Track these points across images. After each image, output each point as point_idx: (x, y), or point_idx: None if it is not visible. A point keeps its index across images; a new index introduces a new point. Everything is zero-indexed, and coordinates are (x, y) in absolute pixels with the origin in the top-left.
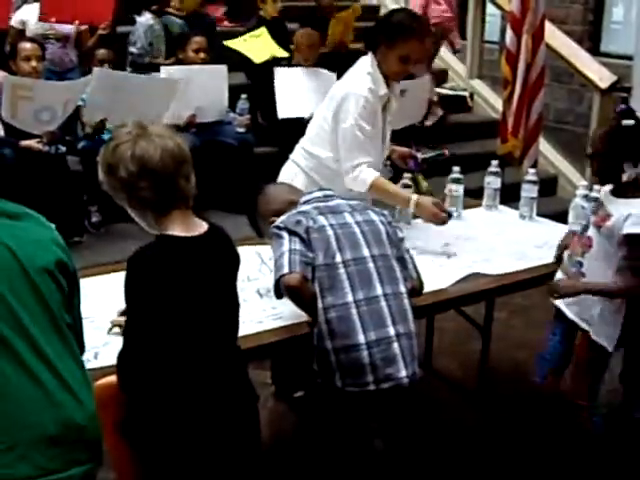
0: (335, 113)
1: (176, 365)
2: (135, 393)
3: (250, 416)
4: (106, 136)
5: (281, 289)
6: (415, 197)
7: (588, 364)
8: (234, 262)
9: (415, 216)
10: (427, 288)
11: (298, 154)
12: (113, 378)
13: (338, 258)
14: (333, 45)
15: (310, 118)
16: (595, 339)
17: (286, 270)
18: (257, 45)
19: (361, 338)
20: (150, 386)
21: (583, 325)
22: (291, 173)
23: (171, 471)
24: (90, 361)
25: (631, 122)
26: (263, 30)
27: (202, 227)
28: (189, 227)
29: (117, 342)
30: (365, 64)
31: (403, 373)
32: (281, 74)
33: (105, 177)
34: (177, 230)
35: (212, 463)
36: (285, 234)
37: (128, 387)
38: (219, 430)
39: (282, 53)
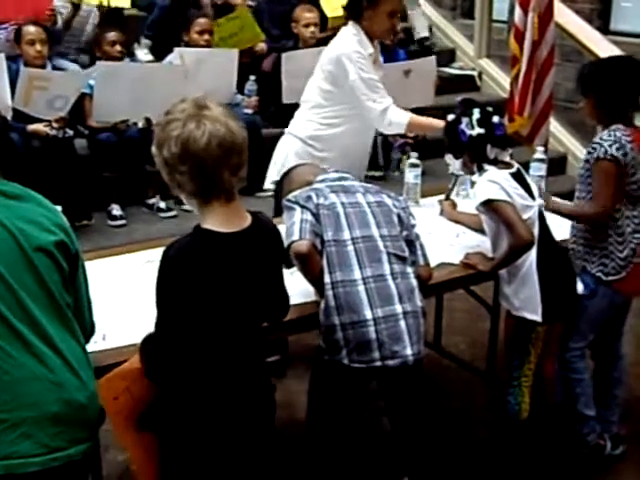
0: (334, 79)
1: (201, 358)
2: (162, 380)
3: (267, 407)
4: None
5: (290, 256)
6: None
7: (509, 340)
8: (273, 258)
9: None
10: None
11: (296, 126)
12: (123, 368)
13: (347, 235)
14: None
15: None
16: (516, 314)
17: (296, 237)
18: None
19: (368, 314)
20: (176, 375)
21: (503, 303)
22: (288, 145)
23: (190, 461)
24: (98, 342)
25: None
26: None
27: (245, 221)
28: (230, 221)
29: (125, 324)
30: (347, 30)
31: (409, 351)
32: (288, 59)
33: (155, 151)
34: (216, 224)
35: (229, 448)
36: (297, 207)
37: (155, 375)
38: (238, 418)
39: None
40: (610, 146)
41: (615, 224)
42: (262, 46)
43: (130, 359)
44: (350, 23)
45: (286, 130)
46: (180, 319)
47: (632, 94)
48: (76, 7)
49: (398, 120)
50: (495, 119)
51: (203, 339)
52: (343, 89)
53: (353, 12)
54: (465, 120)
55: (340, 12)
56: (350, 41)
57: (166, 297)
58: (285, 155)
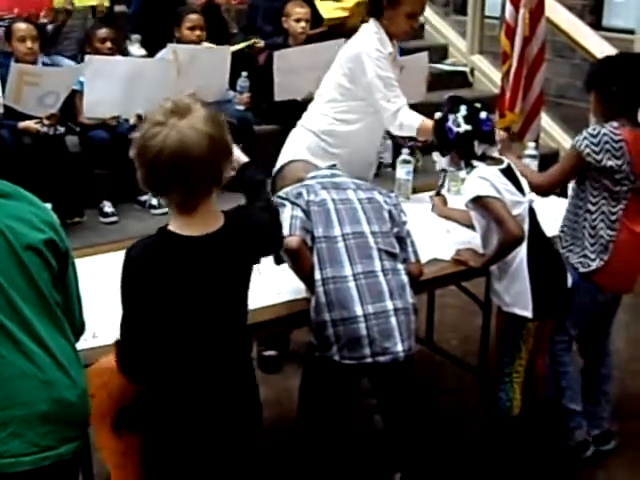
0: (352, 76)
1: (173, 357)
2: (137, 377)
3: (251, 406)
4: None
5: (281, 252)
6: None
7: (500, 336)
8: (240, 263)
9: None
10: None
11: (310, 119)
12: (100, 364)
13: (337, 231)
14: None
15: (305, 99)
16: (506, 310)
17: (286, 233)
18: None
19: (359, 310)
20: (150, 373)
21: (494, 299)
22: (300, 138)
23: (172, 460)
24: (88, 340)
25: None
26: None
27: (213, 225)
28: (193, 226)
29: (115, 322)
30: (368, 27)
31: (399, 347)
32: (280, 57)
33: None
34: (179, 227)
35: (210, 447)
36: (287, 203)
37: (129, 372)
38: (218, 418)
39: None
40: (585, 139)
41: (590, 217)
42: (260, 45)
43: (108, 355)
44: (371, 21)
45: (299, 123)
46: (144, 318)
47: (637, 91)
48: (68, 13)
49: (409, 123)
50: (482, 115)
51: (170, 338)
52: (361, 86)
53: (374, 10)
54: (451, 117)
55: (336, 14)
56: (371, 39)
57: (129, 296)
58: (296, 148)
